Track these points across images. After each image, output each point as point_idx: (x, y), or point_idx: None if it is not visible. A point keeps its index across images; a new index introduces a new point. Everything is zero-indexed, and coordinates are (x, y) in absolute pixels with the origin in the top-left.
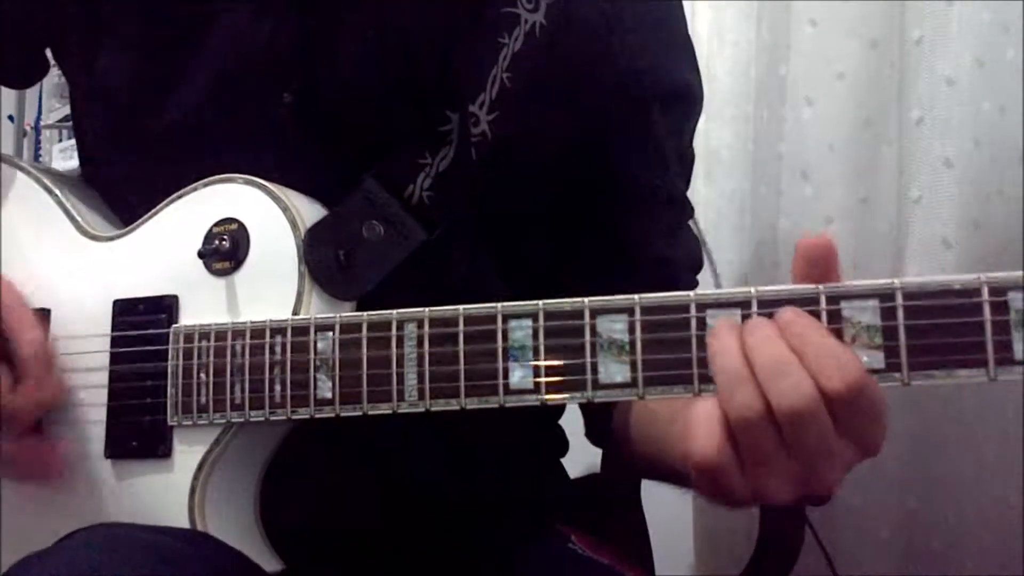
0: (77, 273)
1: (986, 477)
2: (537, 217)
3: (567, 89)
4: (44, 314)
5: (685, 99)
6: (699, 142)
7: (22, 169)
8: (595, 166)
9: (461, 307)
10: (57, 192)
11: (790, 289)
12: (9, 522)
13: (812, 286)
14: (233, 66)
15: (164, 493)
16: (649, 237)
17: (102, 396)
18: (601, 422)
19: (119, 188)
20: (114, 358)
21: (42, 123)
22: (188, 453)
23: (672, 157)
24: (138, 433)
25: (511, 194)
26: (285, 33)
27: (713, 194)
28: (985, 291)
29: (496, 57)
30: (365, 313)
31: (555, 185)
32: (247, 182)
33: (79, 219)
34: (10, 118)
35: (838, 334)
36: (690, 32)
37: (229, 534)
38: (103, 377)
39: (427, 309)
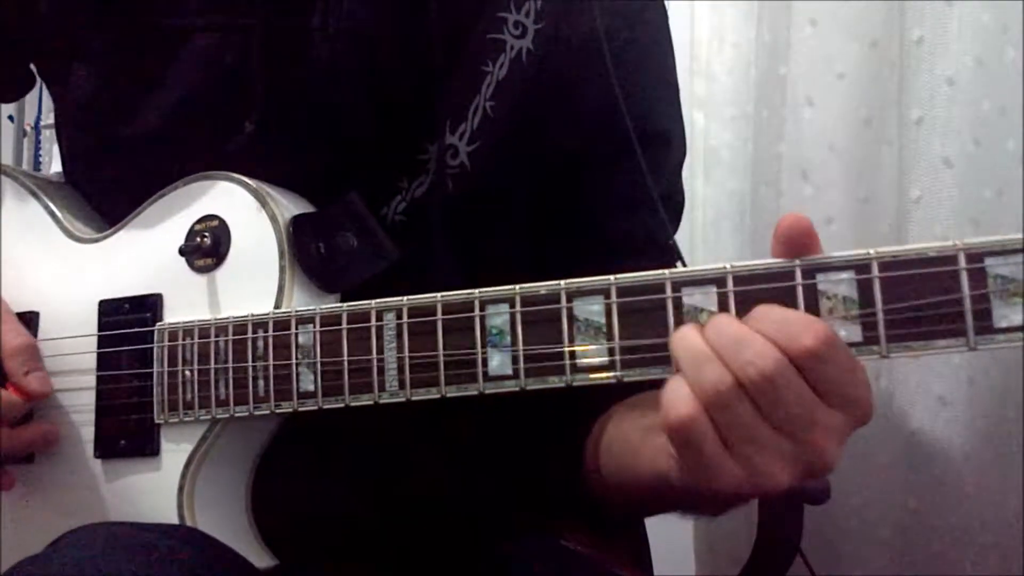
0: (64, 275)
1: (986, 477)
2: (514, 247)
3: (550, 117)
4: (33, 317)
5: (664, 143)
6: (699, 142)
7: (7, 174)
8: (570, 202)
9: (439, 295)
10: (43, 196)
11: (766, 263)
12: (5, 523)
13: (787, 260)
14: (196, 91)
15: (153, 491)
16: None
17: (91, 397)
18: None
19: (99, 194)
20: (101, 358)
21: (42, 123)
22: (175, 451)
23: (650, 199)
24: (126, 432)
25: (488, 224)
26: (251, 60)
27: (713, 194)
28: (962, 258)
29: (479, 85)
30: (344, 304)
31: (532, 217)
32: (227, 178)
33: (65, 222)
34: (10, 118)
35: (815, 308)
36: (690, 32)
37: (220, 531)
38: (91, 378)
39: (405, 298)
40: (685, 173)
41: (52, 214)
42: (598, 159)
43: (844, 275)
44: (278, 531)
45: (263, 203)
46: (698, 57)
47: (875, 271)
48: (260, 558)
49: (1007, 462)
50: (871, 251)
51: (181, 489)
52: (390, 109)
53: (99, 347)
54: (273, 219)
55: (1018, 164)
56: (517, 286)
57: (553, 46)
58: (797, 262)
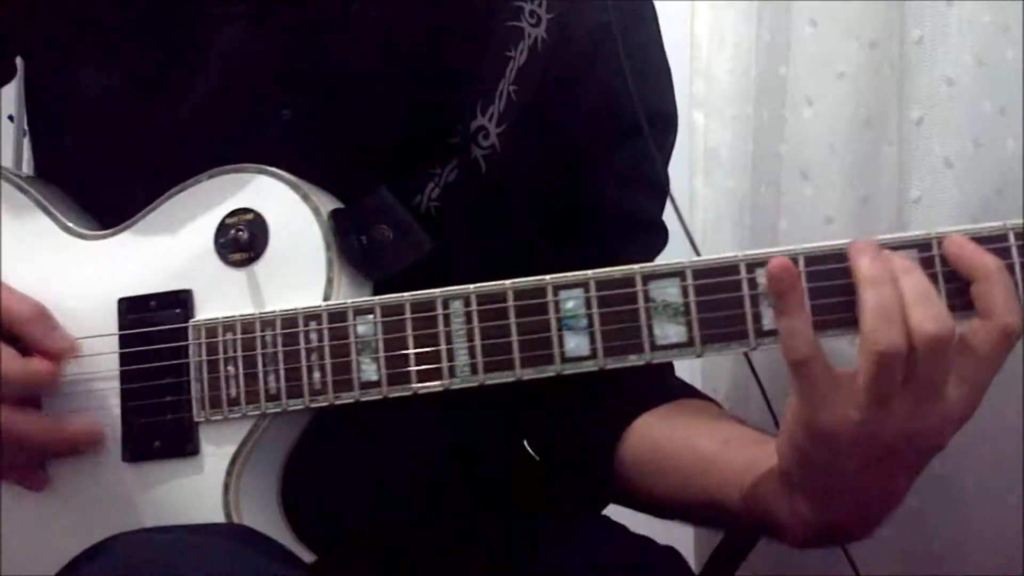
0: (70, 274)
1: (986, 477)
2: (534, 230)
3: (562, 103)
4: None
5: (669, 125)
6: (699, 142)
7: None
8: (578, 187)
9: (507, 282)
10: (33, 191)
11: (831, 244)
12: (17, 532)
13: (844, 241)
14: (230, 81)
15: (195, 492)
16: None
17: (113, 398)
18: (599, 460)
19: (100, 192)
20: (125, 358)
21: None
22: (218, 449)
23: (647, 180)
24: (160, 433)
25: (513, 206)
26: (284, 49)
27: (713, 194)
28: (1011, 236)
29: (504, 70)
30: (407, 294)
31: (549, 201)
32: (260, 171)
33: (60, 217)
34: (10, 118)
35: None
36: (690, 32)
37: (261, 528)
38: (114, 379)
39: (472, 286)
40: (685, 173)
41: (46, 210)
42: (606, 142)
43: (908, 254)
44: (301, 525)
45: (305, 196)
46: (698, 57)
47: (935, 249)
48: (301, 554)
49: (1007, 462)
50: (931, 232)
51: (227, 488)
52: (421, 95)
53: (123, 347)
54: (316, 212)
55: (1018, 164)
56: (590, 272)
57: (562, 34)
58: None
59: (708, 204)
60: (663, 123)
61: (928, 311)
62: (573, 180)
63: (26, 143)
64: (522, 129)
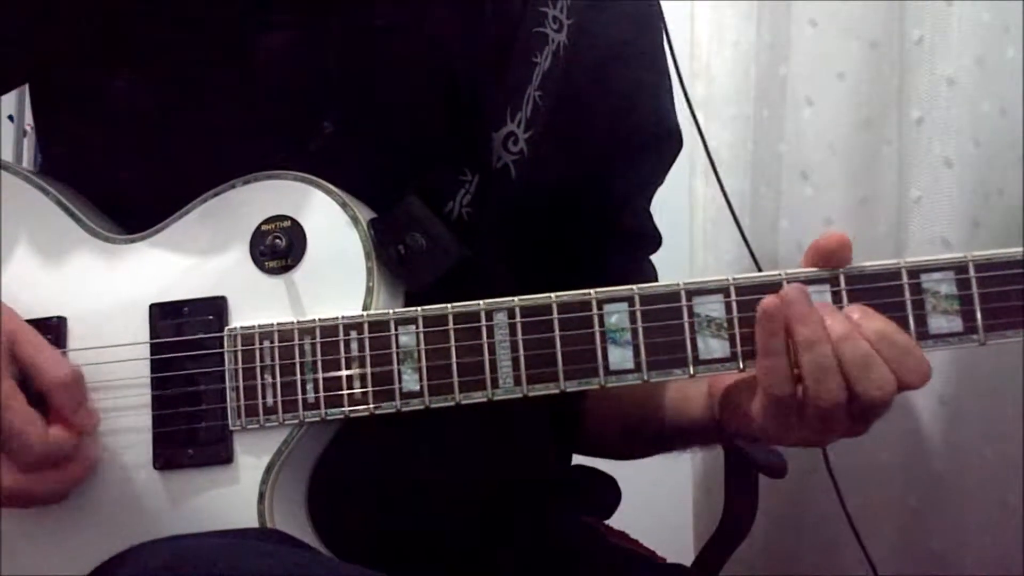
0: (95, 278)
1: (986, 477)
2: (556, 236)
3: (580, 112)
4: (60, 322)
5: (679, 140)
6: (699, 142)
7: (11, 171)
8: (597, 195)
9: (552, 295)
10: (55, 193)
11: (875, 264)
12: (44, 541)
13: (893, 261)
14: (273, 90)
15: (229, 501)
16: (622, 271)
17: (142, 405)
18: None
19: (128, 194)
20: (157, 365)
21: None
22: (253, 458)
23: (651, 194)
24: (193, 441)
25: (538, 212)
26: (326, 61)
27: (713, 194)
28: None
29: (531, 76)
30: (449, 305)
31: (570, 208)
32: (297, 178)
33: (85, 220)
34: (10, 118)
35: (920, 303)
36: (690, 32)
37: (291, 532)
38: (143, 386)
39: (516, 298)
40: (685, 173)
41: (70, 212)
42: (623, 153)
43: (944, 275)
44: (324, 528)
45: (343, 204)
46: (698, 57)
47: (972, 271)
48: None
49: (1007, 462)
50: (967, 255)
51: (262, 496)
52: (457, 103)
53: (154, 354)
54: (356, 220)
55: (1018, 164)
56: (635, 286)
57: (581, 41)
58: (903, 263)
59: (708, 204)
60: (674, 137)
61: (874, 375)
62: (592, 188)
63: (26, 143)
64: (547, 135)
